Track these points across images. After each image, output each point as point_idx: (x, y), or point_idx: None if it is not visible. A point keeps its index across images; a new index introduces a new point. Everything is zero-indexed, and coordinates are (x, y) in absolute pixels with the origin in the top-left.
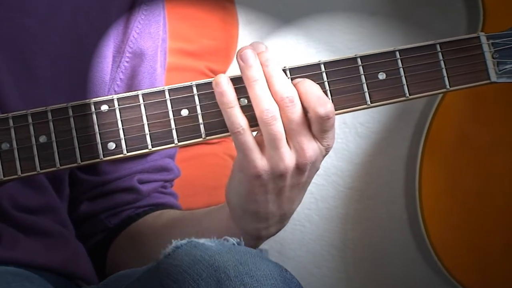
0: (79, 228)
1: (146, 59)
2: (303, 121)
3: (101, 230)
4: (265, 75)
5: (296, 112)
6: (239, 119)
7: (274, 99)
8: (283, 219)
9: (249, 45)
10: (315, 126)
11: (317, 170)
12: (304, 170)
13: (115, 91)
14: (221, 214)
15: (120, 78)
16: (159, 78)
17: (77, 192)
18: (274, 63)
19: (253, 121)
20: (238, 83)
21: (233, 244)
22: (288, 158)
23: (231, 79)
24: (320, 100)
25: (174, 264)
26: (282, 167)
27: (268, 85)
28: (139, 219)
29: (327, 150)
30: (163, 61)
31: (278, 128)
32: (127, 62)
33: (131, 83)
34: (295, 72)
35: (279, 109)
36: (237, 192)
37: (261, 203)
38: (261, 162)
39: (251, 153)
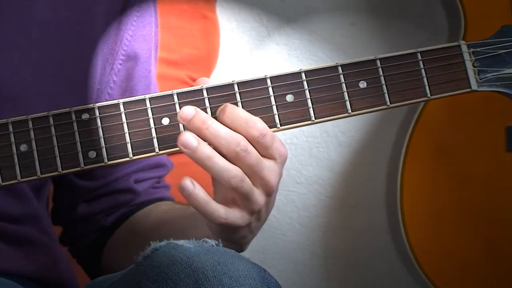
0: (75, 228)
1: (140, 62)
2: (260, 159)
3: (97, 229)
4: (208, 138)
5: (253, 156)
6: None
7: (227, 156)
8: (261, 225)
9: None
10: (257, 148)
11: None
12: (272, 194)
13: (108, 93)
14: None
15: (114, 81)
16: (153, 80)
17: (74, 197)
18: (211, 120)
19: None
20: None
21: (212, 245)
22: (261, 199)
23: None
24: (249, 123)
25: (152, 265)
26: (258, 208)
27: (216, 146)
28: (132, 215)
29: (282, 159)
30: (155, 63)
31: (248, 185)
32: (120, 64)
33: (126, 85)
34: (276, 81)
35: (235, 162)
36: (216, 231)
37: (242, 230)
38: (242, 220)
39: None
